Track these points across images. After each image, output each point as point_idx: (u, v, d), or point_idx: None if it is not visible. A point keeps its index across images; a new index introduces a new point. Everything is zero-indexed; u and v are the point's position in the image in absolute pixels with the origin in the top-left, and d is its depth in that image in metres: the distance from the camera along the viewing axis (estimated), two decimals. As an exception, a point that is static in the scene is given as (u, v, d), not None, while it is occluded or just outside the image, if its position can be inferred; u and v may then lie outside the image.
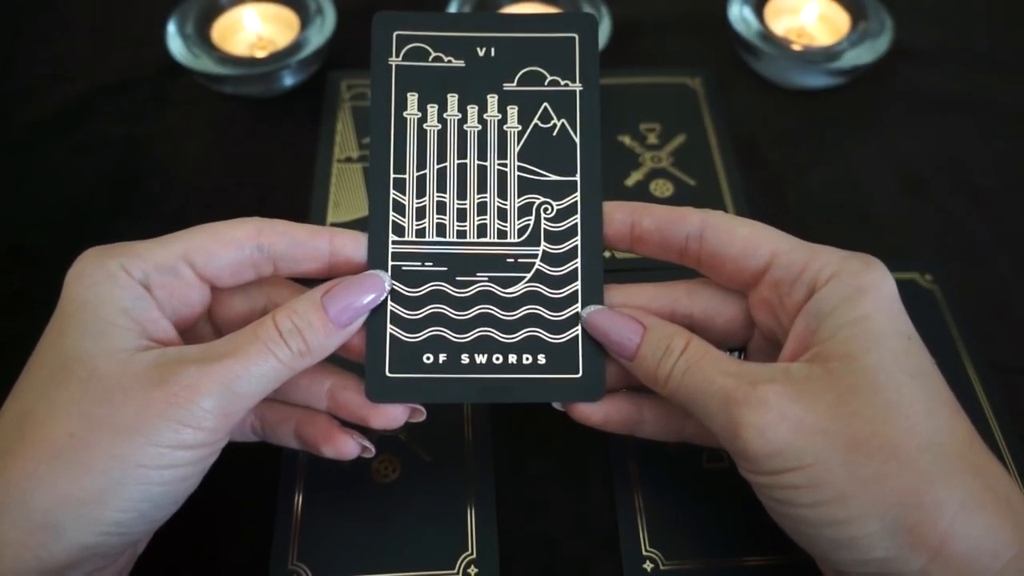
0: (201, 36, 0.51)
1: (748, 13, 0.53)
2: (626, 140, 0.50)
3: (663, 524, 0.36)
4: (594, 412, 0.33)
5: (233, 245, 0.31)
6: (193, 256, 0.30)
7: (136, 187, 0.48)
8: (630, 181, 0.48)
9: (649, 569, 0.35)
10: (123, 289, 0.29)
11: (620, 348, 0.31)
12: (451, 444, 0.38)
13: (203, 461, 0.29)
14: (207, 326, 0.34)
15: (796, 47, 0.52)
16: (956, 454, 0.27)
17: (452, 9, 0.52)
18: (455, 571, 0.34)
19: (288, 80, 0.52)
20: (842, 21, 0.54)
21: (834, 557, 0.28)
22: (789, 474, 0.27)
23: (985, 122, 0.52)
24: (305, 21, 0.52)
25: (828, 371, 0.28)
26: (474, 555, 0.35)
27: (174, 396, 0.27)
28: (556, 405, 0.33)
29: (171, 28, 0.51)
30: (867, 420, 0.27)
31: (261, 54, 0.51)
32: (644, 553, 0.35)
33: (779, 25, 0.55)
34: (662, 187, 0.48)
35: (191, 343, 0.30)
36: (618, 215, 0.32)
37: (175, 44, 0.50)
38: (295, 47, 0.51)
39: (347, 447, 0.33)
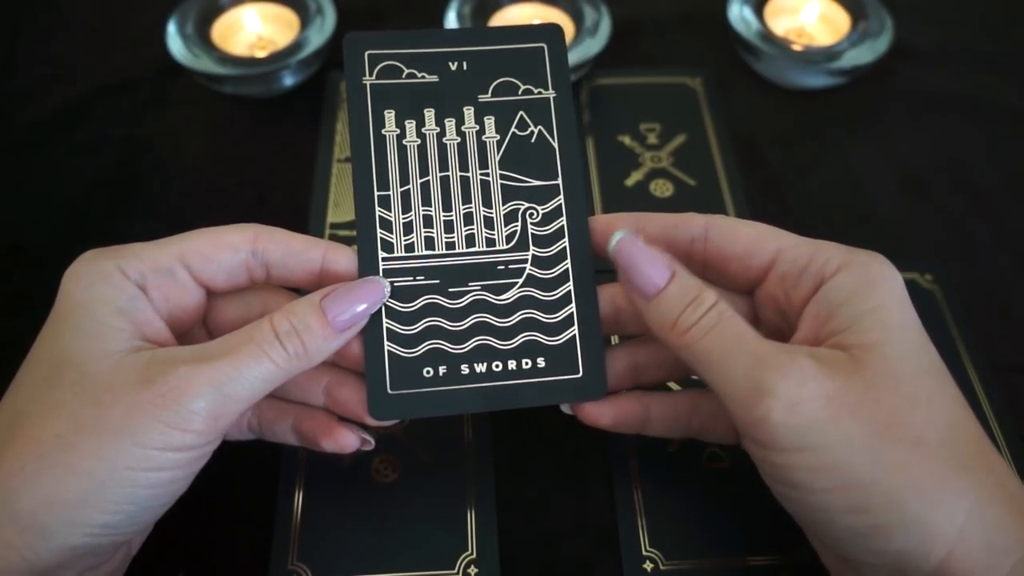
0: (201, 36, 0.51)
1: (748, 13, 0.54)
2: (626, 140, 0.50)
3: (663, 524, 0.36)
4: (603, 415, 0.32)
5: (229, 249, 0.31)
6: (190, 259, 0.30)
7: (136, 187, 0.48)
8: (630, 181, 0.48)
9: (649, 569, 0.35)
10: (118, 290, 0.29)
11: (645, 282, 0.29)
12: (451, 444, 0.38)
13: (192, 464, 0.29)
14: (203, 332, 0.33)
15: (796, 47, 0.52)
16: (972, 451, 0.27)
17: (450, 13, 0.52)
18: (455, 571, 0.34)
19: (288, 80, 0.52)
20: (842, 21, 0.54)
21: (850, 547, 0.28)
22: (808, 453, 0.26)
23: (985, 122, 0.52)
24: (305, 21, 0.52)
25: (852, 358, 0.28)
26: (474, 555, 0.35)
27: (161, 397, 0.27)
28: (564, 408, 0.33)
29: (171, 28, 0.51)
30: (892, 409, 0.27)
31: (261, 54, 0.51)
32: (644, 553, 0.35)
33: (779, 25, 0.55)
34: (662, 187, 0.48)
35: None
36: (621, 225, 0.32)
37: (175, 44, 0.50)
38: (295, 47, 0.51)
39: (347, 440, 0.33)
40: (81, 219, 0.47)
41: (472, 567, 0.35)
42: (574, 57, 0.50)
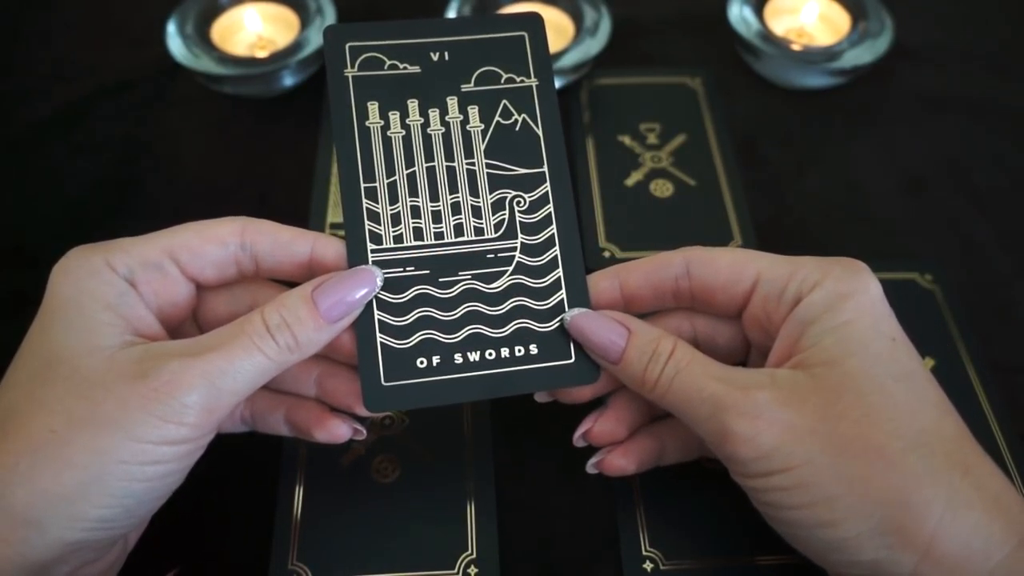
0: (201, 36, 0.51)
1: (748, 13, 0.54)
2: (626, 140, 0.50)
3: (663, 524, 0.36)
4: (629, 465, 0.33)
5: (218, 242, 0.31)
6: (178, 253, 0.30)
7: (136, 187, 0.48)
8: (630, 181, 0.48)
9: (649, 569, 0.35)
10: (108, 285, 0.29)
11: (605, 351, 0.31)
12: (451, 444, 0.38)
13: (186, 457, 0.29)
14: (193, 327, 0.33)
15: (796, 47, 0.52)
16: (943, 454, 0.27)
17: (450, 13, 0.52)
18: (455, 571, 0.34)
19: (288, 80, 0.52)
20: (842, 21, 0.54)
21: (827, 559, 0.28)
22: (777, 476, 0.28)
23: (985, 122, 0.52)
24: (305, 21, 0.52)
25: (812, 376, 0.28)
26: (474, 555, 0.35)
27: (155, 391, 0.27)
28: (540, 397, 0.33)
29: (171, 28, 0.51)
30: (852, 423, 0.27)
31: (261, 54, 0.51)
32: (644, 553, 0.35)
33: (779, 25, 0.55)
34: (662, 187, 0.48)
35: None
36: (604, 283, 0.33)
37: (175, 44, 0.50)
38: (295, 47, 0.51)
39: (339, 430, 0.33)
40: (81, 219, 0.47)
41: (472, 567, 0.35)
42: (574, 57, 0.50)
